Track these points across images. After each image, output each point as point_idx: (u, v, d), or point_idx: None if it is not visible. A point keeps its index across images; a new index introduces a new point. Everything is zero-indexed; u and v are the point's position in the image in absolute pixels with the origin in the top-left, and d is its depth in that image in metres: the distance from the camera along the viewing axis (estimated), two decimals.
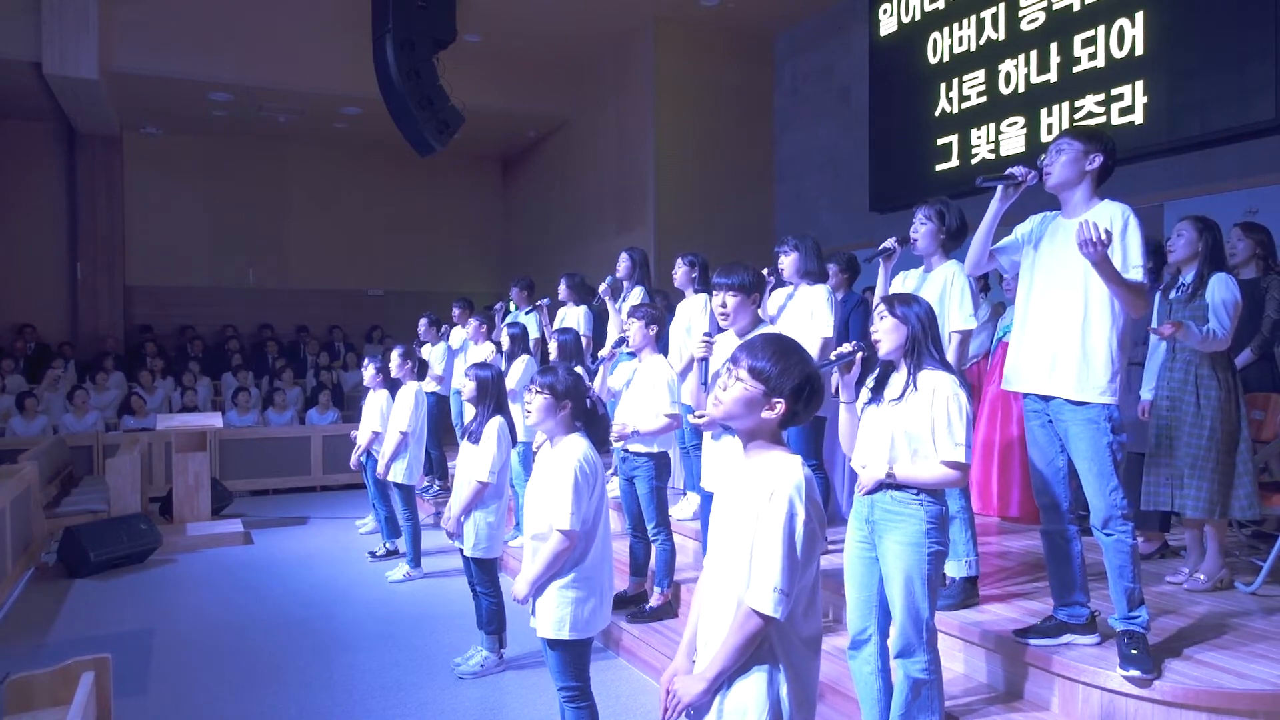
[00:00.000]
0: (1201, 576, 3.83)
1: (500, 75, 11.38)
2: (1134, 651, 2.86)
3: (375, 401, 6.58)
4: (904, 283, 3.87)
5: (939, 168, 8.19)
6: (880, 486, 2.72)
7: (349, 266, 14.45)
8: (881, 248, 3.87)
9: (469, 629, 4.55)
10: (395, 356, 6.33)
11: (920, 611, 2.68)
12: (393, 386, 6.51)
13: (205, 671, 4.38)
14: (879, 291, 3.87)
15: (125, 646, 4.63)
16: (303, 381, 11.88)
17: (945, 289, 3.68)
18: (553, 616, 2.95)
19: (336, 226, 14.33)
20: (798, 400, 1.89)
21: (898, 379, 2.77)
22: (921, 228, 3.75)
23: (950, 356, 3.61)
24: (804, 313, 4.45)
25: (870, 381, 2.86)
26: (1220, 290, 3.69)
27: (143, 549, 6.45)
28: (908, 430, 2.69)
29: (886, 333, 2.77)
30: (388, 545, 6.61)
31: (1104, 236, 2.74)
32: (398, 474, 6.04)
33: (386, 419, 6.38)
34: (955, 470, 2.64)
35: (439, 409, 7.68)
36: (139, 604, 5.55)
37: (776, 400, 1.88)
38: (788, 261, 4.53)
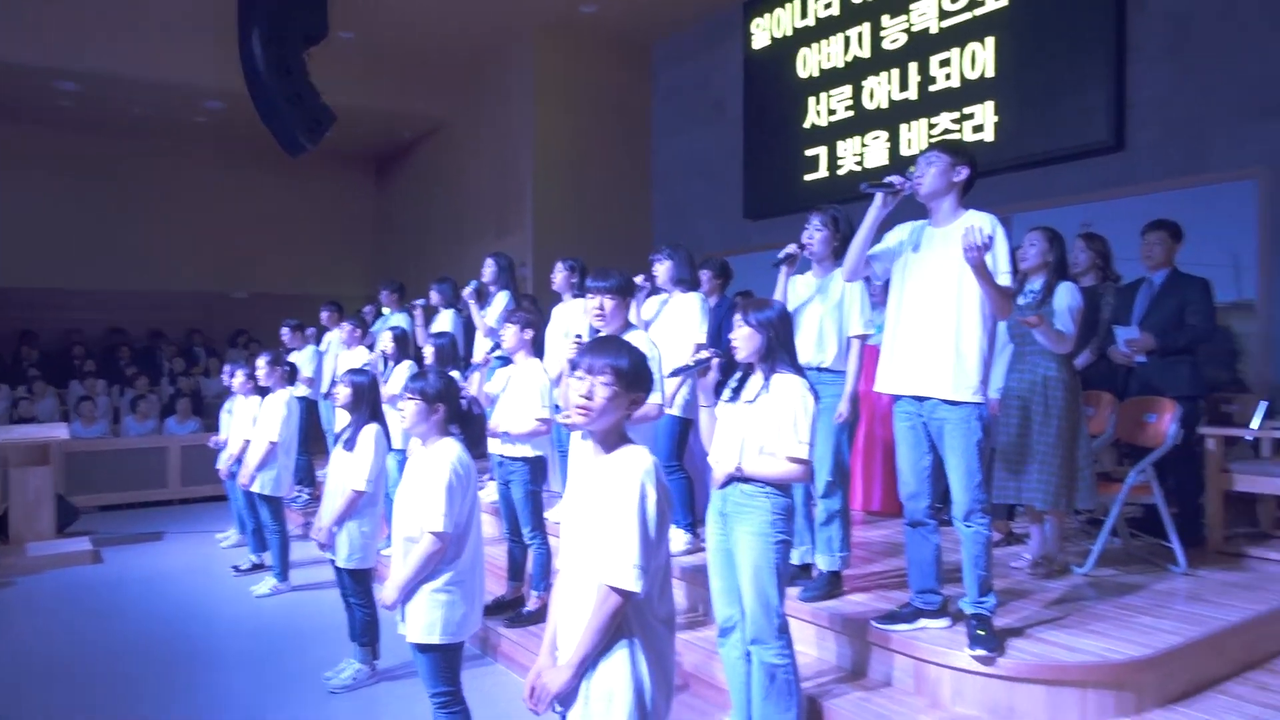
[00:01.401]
0: (1041, 561, 4.14)
1: (375, 74, 11.07)
2: (981, 633, 3.08)
3: (247, 409, 6.27)
4: (794, 289, 3.98)
5: (808, 178, 8.51)
6: (730, 480, 2.87)
7: (210, 268, 13.71)
8: (784, 254, 3.94)
9: (340, 642, 4.41)
10: (263, 363, 6.06)
11: (770, 599, 2.82)
12: (262, 393, 6.23)
13: (51, 702, 4.07)
14: (777, 296, 3.94)
15: None
16: (158, 389, 11.20)
17: (844, 295, 3.81)
18: (423, 620, 2.93)
19: (197, 226, 13.55)
20: (648, 391, 2.04)
21: (754, 381, 2.93)
22: (816, 234, 3.87)
23: (852, 361, 3.77)
24: (677, 319, 4.57)
25: (732, 383, 3.01)
26: (1067, 298, 3.96)
27: None
28: (758, 429, 2.84)
29: (743, 340, 2.92)
30: (254, 559, 6.32)
31: (986, 241, 2.95)
32: (264, 485, 5.78)
33: None
34: (799, 465, 2.80)
35: (308, 414, 7.41)
36: None
37: (638, 394, 1.99)
38: (662, 269, 4.67)
